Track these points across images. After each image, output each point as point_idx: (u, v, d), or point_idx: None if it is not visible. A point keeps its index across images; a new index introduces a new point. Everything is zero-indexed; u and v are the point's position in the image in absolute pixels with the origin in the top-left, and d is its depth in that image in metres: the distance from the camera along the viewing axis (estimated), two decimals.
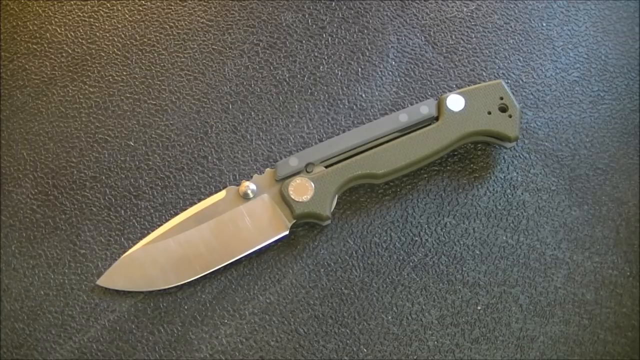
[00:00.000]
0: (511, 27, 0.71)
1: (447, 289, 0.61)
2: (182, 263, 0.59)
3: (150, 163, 0.65)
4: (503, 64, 0.69)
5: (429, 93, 0.68)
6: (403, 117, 0.63)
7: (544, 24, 0.71)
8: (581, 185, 0.65)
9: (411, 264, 0.62)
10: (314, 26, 0.70)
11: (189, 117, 0.66)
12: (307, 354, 0.59)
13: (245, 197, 0.61)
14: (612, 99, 0.68)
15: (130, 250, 0.60)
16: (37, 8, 0.71)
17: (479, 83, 0.67)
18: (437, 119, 0.63)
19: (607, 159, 0.66)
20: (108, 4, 0.71)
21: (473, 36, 0.70)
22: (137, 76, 0.68)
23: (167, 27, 0.70)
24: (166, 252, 0.60)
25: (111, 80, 0.68)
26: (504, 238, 0.63)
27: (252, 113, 0.67)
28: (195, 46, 0.69)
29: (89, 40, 0.70)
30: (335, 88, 0.68)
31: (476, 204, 0.64)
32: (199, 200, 0.63)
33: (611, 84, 0.69)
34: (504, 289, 0.61)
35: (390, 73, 0.68)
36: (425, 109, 0.63)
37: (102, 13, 0.71)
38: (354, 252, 0.62)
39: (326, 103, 0.67)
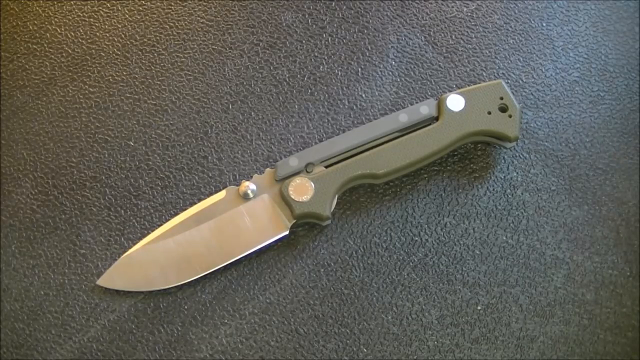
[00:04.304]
0: (511, 27, 0.71)
1: (447, 289, 0.61)
2: (182, 263, 0.59)
3: (150, 163, 0.65)
4: (503, 64, 0.69)
5: (429, 93, 0.68)
6: (403, 117, 0.63)
7: (544, 24, 0.71)
8: (581, 185, 0.65)
9: (411, 264, 0.61)
10: (314, 26, 0.70)
11: (189, 117, 0.66)
12: (307, 354, 0.59)
13: (245, 197, 0.61)
14: (612, 99, 0.68)
15: (130, 250, 0.60)
16: (37, 8, 0.71)
17: (479, 83, 0.67)
18: (437, 119, 0.63)
19: (607, 159, 0.66)
20: (108, 4, 0.71)
21: (473, 36, 0.70)
22: (137, 76, 0.68)
23: (167, 27, 0.70)
24: (166, 252, 0.60)
25: (111, 80, 0.68)
26: (504, 238, 0.63)
27: (252, 113, 0.67)
28: (195, 46, 0.69)
29: (89, 40, 0.70)
30: (335, 88, 0.68)
31: (476, 204, 0.64)
32: (199, 200, 0.63)
33: (611, 84, 0.69)
34: (504, 289, 0.61)
35: (390, 73, 0.68)
36: (425, 109, 0.63)
37: (102, 13, 0.71)
38: (354, 252, 0.62)
39: (326, 103, 0.67)
